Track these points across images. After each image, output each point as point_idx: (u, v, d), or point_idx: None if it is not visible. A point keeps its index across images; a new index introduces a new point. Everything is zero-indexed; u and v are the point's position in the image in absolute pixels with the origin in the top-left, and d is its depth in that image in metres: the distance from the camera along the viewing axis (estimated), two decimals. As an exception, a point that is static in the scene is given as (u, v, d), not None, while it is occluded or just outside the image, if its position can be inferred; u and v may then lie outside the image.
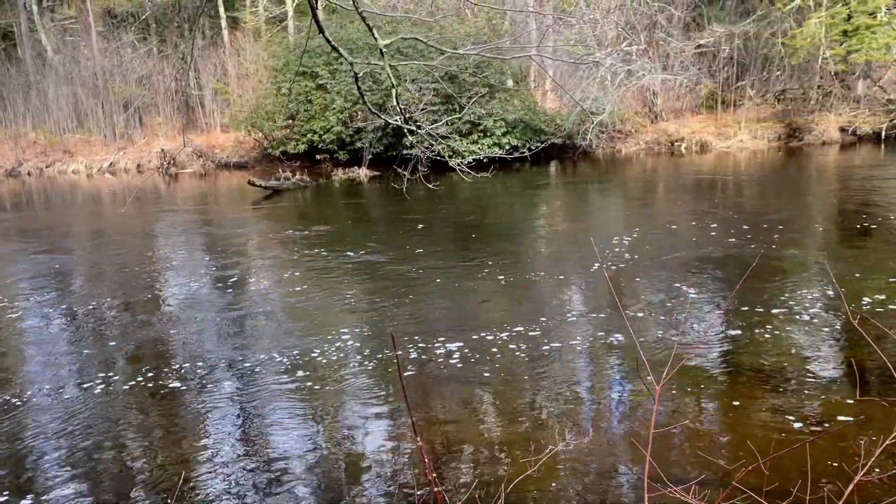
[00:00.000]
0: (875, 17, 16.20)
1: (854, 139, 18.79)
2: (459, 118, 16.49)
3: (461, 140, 17.48)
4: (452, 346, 5.77)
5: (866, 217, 10.15)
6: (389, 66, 3.95)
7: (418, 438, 2.36)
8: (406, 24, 17.51)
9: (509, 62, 18.59)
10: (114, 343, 6.45)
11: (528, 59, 17.44)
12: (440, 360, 5.54)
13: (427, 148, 10.85)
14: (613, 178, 16.85)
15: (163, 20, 31.15)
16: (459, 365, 5.42)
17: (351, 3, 3.97)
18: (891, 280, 6.90)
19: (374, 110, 4.61)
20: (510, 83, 20.24)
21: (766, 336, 5.65)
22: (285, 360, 5.72)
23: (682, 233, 9.70)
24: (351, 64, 3.79)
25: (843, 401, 4.49)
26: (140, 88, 26.73)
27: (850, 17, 16.37)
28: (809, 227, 9.55)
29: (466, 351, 5.66)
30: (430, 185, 8.07)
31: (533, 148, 18.57)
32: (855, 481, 2.28)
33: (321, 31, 3.68)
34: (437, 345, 5.84)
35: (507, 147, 18.25)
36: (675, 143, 19.72)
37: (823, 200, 12.38)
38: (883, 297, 6.35)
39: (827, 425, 4.18)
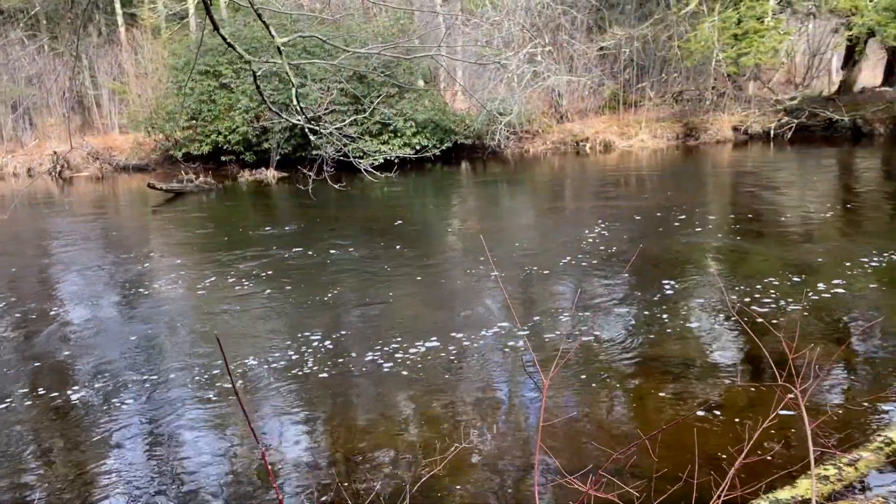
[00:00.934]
0: (762, 21, 17.14)
1: (746, 138, 19.83)
2: (366, 118, 16.40)
3: (371, 140, 17.39)
4: (358, 352, 5.72)
5: (757, 211, 10.72)
6: (290, 64, 3.86)
7: (261, 445, 2.31)
8: (313, 23, 17.24)
9: (419, 62, 18.61)
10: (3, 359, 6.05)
11: (436, 59, 17.52)
12: (349, 366, 5.48)
13: (335, 149, 10.72)
14: (522, 178, 17.15)
15: (54, 16, 29.50)
16: (366, 370, 5.38)
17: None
18: (778, 271, 7.30)
19: (274, 110, 4.50)
20: (421, 83, 20.28)
21: (656, 328, 5.87)
22: (188, 371, 5.52)
23: (586, 229, 9.95)
24: (248, 62, 3.69)
25: (727, 387, 4.73)
26: (30, 88, 25.24)
27: (739, 21, 17.26)
28: (705, 221, 9.99)
29: (372, 357, 5.62)
30: (336, 187, 7.97)
31: (443, 148, 18.79)
32: (737, 465, 2.38)
33: (216, 28, 3.56)
34: (344, 351, 5.78)
35: (418, 147, 18.31)
36: (581, 143, 20.26)
37: (719, 196, 13.00)
38: (764, 287, 6.71)
39: (717, 411, 4.39)
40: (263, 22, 3.86)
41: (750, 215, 10.45)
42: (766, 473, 2.73)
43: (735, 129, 19.95)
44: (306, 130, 4.56)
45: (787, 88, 23.81)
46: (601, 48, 20.77)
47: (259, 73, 3.82)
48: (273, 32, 3.66)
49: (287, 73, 3.76)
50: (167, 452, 4.29)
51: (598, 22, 22.76)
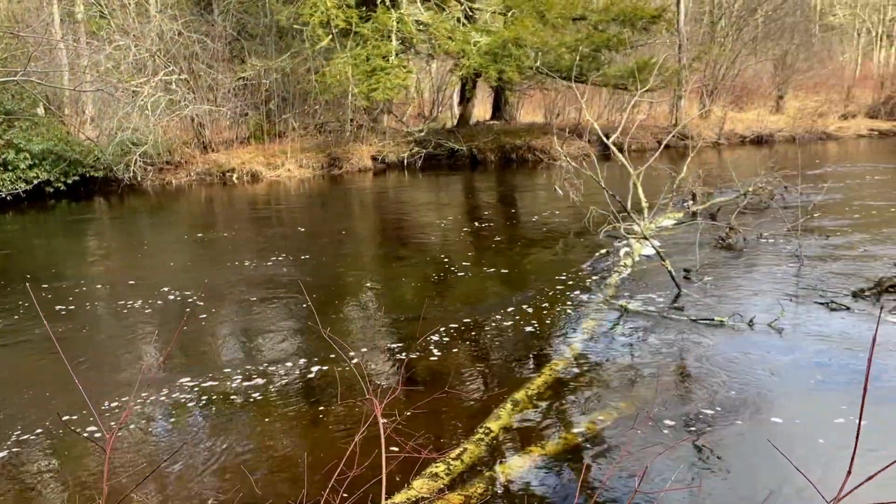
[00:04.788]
0: (388, 60, 18.64)
1: (384, 166, 21.36)
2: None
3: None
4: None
5: (399, 233, 11.56)
6: None
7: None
8: None
9: (33, 87, 16.46)
10: None
11: (29, 83, 15.70)
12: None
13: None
14: (166, 211, 16.17)
15: None
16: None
17: None
18: (420, 290, 7.93)
19: None
20: (40, 111, 18.00)
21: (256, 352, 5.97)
22: None
23: (241, 260, 9.72)
24: None
25: (331, 404, 4.94)
26: None
27: (368, 59, 18.54)
28: (354, 245, 10.47)
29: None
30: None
31: (69, 182, 16.90)
32: (334, 479, 2.47)
33: None
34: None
35: (37, 182, 16.21)
36: (227, 174, 19.83)
37: (365, 220, 13.75)
38: (409, 303, 7.26)
39: (321, 429, 4.57)
40: None
41: (398, 236, 11.24)
42: (363, 483, 2.88)
43: (374, 158, 21.36)
44: None
45: (418, 121, 26.28)
46: (241, 78, 20.64)
47: None
48: None
49: None
50: None
51: (236, 52, 22.60)
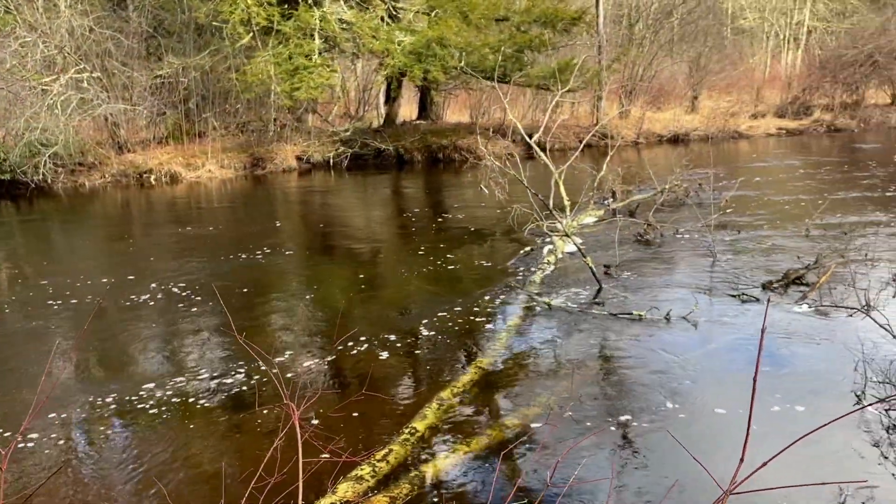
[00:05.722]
0: (310, 59, 18.39)
1: (309, 166, 21.06)
2: None
3: None
4: None
5: (325, 234, 11.42)
6: None
7: None
8: None
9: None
10: None
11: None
12: None
13: None
14: (81, 215, 15.49)
15: None
16: None
17: None
18: (346, 291, 7.85)
19: None
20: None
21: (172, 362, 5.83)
22: None
23: (161, 262, 9.39)
24: None
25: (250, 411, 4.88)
26: None
27: (290, 57, 18.24)
28: (279, 247, 10.26)
29: None
30: None
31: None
32: (251, 485, 2.42)
33: None
34: None
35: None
36: (145, 175, 19.16)
37: (289, 222, 13.51)
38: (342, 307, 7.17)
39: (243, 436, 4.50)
40: None
41: (326, 235, 11.09)
42: (284, 489, 2.84)
43: (299, 158, 21.04)
44: None
45: (344, 121, 26.03)
46: (158, 76, 19.97)
47: None
48: None
49: None
50: None
51: (153, 50, 21.86)
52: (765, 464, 1.47)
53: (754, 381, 1.42)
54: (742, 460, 1.43)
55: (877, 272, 7.46)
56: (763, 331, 1.42)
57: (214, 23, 19.46)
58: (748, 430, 1.42)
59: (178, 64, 20.01)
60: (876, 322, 4.31)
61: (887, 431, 4.26)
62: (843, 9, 41.37)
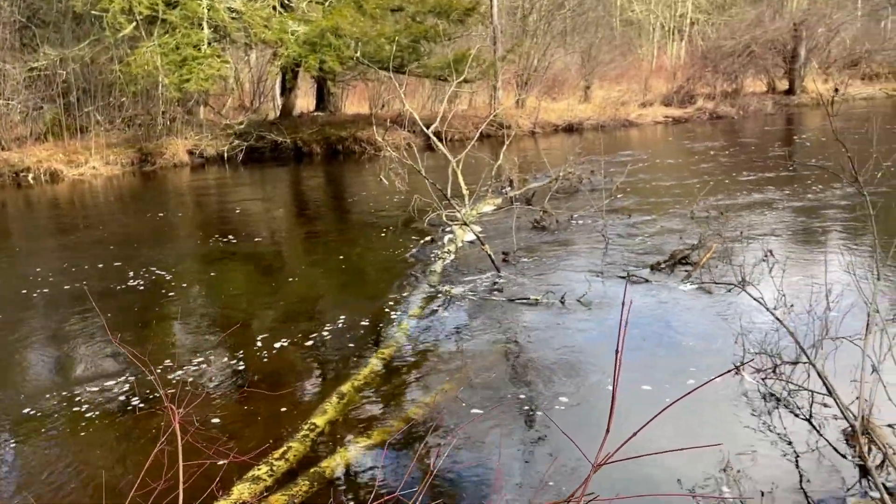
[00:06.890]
0: (199, 49, 17.72)
1: (202, 161, 20.31)
2: None
3: None
4: None
5: (222, 231, 11.04)
6: None
7: None
8: None
9: None
10: None
11: None
12: None
13: None
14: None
15: None
16: None
17: None
18: (242, 287, 7.63)
19: None
20: None
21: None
22: None
23: (36, 271, 8.82)
24: None
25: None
26: None
27: (178, 48, 17.51)
28: (171, 246, 9.86)
29: None
30: None
31: None
32: (133, 492, 2.32)
33: None
34: None
35: None
36: (21, 174, 17.97)
37: (183, 220, 12.99)
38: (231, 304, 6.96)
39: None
40: None
41: (224, 232, 10.72)
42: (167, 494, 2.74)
43: (191, 152, 20.25)
44: None
45: (239, 113, 25.28)
46: (33, 69, 18.73)
47: None
48: None
49: None
50: None
51: (27, 41, 20.47)
52: (634, 434, 1.53)
53: (617, 353, 1.47)
54: (608, 430, 1.49)
55: (751, 250, 7.95)
56: (623, 304, 1.48)
57: (93, 12, 18.39)
58: (612, 402, 1.48)
59: (55, 56, 18.84)
60: (751, 296, 4.58)
61: (764, 399, 4.56)
62: (723, 1, 43.66)
